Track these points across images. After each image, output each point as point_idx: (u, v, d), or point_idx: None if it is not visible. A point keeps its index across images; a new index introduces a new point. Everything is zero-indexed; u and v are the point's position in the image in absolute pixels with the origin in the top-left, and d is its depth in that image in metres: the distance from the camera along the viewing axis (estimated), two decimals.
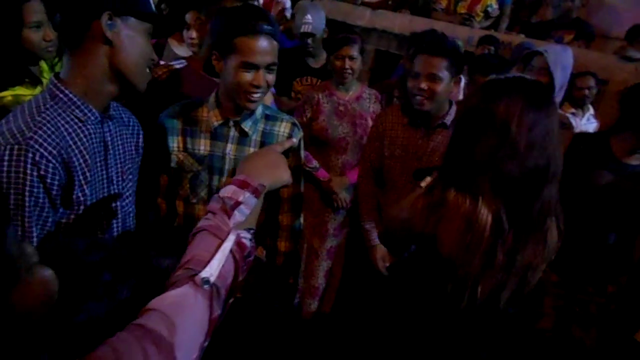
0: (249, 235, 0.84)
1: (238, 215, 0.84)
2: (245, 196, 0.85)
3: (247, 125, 1.44)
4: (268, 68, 1.33)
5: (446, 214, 1.18)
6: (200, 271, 0.74)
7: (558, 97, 2.49)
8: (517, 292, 1.26)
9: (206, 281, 0.73)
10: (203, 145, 1.45)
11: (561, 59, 2.36)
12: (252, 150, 1.45)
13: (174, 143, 1.45)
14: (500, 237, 1.16)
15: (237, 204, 0.84)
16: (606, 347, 2.06)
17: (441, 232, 1.20)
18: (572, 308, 2.12)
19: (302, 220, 1.65)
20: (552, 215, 1.23)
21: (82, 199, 1.04)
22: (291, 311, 2.41)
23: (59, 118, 1.01)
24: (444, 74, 1.83)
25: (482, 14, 4.30)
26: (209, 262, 0.75)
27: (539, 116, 1.14)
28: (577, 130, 3.07)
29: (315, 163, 2.36)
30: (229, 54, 1.31)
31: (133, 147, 1.25)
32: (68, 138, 1.02)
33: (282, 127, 1.50)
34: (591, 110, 3.31)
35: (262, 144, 1.47)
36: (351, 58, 2.26)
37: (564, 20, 4.24)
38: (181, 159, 1.45)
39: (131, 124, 1.26)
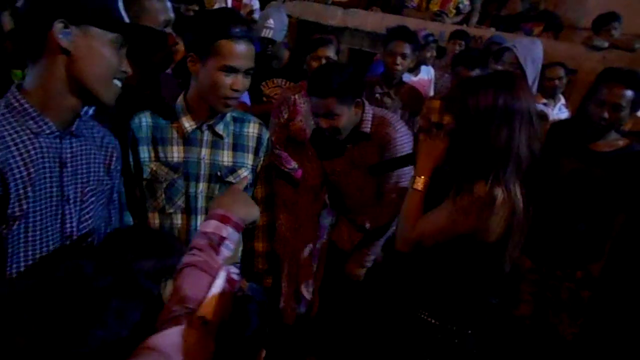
0: (237, 270, 0.87)
1: (225, 251, 0.88)
2: (228, 231, 0.90)
3: (220, 128, 1.44)
4: (246, 72, 1.35)
5: (495, 210, 1.27)
6: (195, 309, 0.75)
7: (532, 90, 2.52)
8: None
9: (204, 321, 0.75)
10: (176, 153, 1.42)
11: (530, 52, 2.40)
12: (225, 152, 1.46)
13: (145, 153, 1.41)
14: (528, 212, 1.32)
15: (222, 239, 0.88)
16: (582, 335, 2.08)
17: (489, 225, 1.30)
18: (545, 294, 2.14)
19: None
20: None
21: (18, 214, 0.98)
22: (275, 315, 2.39)
23: (7, 127, 0.98)
24: (340, 109, 1.77)
25: (454, 11, 4.36)
26: (203, 300, 0.77)
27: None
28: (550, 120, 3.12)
29: (293, 164, 2.35)
30: (208, 56, 1.31)
31: (102, 169, 1.17)
32: (13, 149, 0.97)
33: (252, 128, 1.51)
34: (562, 100, 3.36)
35: (235, 146, 1.47)
36: (327, 59, 2.27)
37: (532, 13, 4.32)
38: (154, 169, 1.41)
39: (104, 144, 1.18)
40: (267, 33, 2.61)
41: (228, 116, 1.46)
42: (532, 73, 2.38)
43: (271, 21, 2.62)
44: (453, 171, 1.39)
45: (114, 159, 1.20)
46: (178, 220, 1.44)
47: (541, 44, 2.60)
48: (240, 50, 1.31)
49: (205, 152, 1.43)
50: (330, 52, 2.27)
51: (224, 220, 0.92)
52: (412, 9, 4.49)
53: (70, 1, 0.97)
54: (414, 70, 3.39)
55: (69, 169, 1.06)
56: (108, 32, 1.01)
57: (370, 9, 4.66)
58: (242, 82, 1.34)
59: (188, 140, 1.42)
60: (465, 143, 1.31)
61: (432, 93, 3.43)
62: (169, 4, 1.43)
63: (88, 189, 1.12)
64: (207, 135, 1.43)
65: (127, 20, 1.06)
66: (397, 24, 3.69)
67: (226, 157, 1.46)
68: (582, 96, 2.15)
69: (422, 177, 1.40)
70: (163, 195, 1.43)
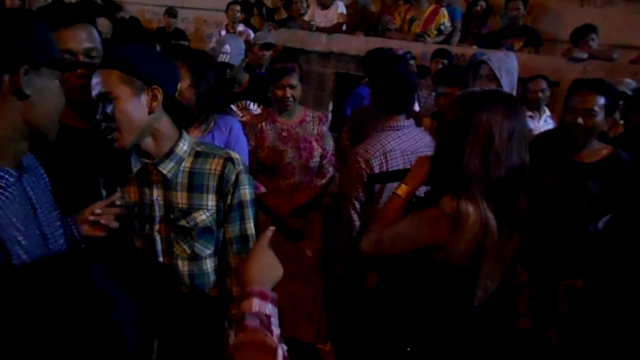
0: (285, 347, 0.91)
1: (276, 330, 0.92)
2: (269, 308, 0.94)
3: (166, 168, 1.31)
4: (104, 99, 1.21)
5: (463, 226, 1.22)
6: None
7: None
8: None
9: None
10: (132, 193, 1.36)
11: (505, 64, 2.45)
12: (179, 194, 1.34)
13: (105, 191, 1.39)
14: (502, 237, 1.26)
15: (268, 317, 0.93)
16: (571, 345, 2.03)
17: (456, 243, 1.24)
18: (542, 307, 2.11)
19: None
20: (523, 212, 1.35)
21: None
22: None
23: None
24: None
25: (435, 32, 4.45)
26: None
27: (515, 124, 1.24)
28: (536, 132, 3.16)
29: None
30: None
31: (49, 191, 1.12)
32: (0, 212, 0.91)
33: (214, 165, 1.34)
34: (547, 112, 3.41)
35: (190, 186, 1.33)
36: (291, 87, 2.29)
37: (512, 29, 4.39)
38: None
39: (36, 166, 1.12)
40: (223, 58, 2.75)
41: (182, 151, 1.33)
42: (507, 83, 2.43)
43: (227, 47, 2.77)
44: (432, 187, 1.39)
45: (45, 176, 1.15)
46: None
47: (514, 56, 2.66)
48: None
49: (157, 192, 1.34)
50: (294, 80, 2.30)
51: (263, 297, 0.95)
52: (394, 32, 4.57)
53: (32, 45, 0.94)
54: None
55: (37, 206, 1.03)
56: (55, 71, 1.01)
57: (353, 34, 4.74)
58: (100, 111, 1.23)
59: (139, 181, 1.35)
60: (437, 159, 1.33)
61: (417, 108, 3.47)
62: (94, 33, 1.36)
63: (54, 215, 1.10)
64: (156, 175, 1.33)
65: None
66: (381, 46, 3.80)
67: (180, 199, 1.34)
68: None
69: (405, 185, 1.40)
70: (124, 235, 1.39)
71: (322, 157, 2.42)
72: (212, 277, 1.46)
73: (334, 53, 4.67)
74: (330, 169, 2.45)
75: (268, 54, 3.58)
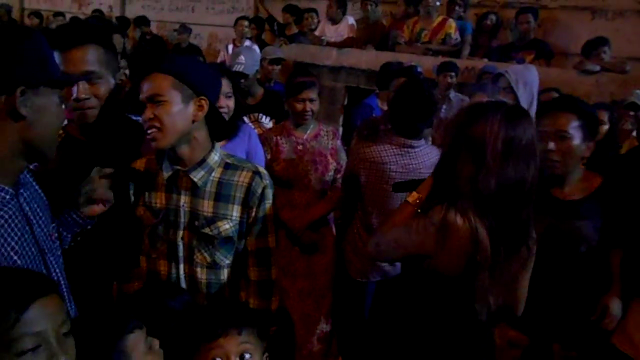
0: None
1: None
2: None
3: (197, 176, 1.36)
4: (153, 101, 1.26)
5: (450, 237, 1.22)
6: None
7: (530, 113, 2.54)
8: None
9: None
10: (159, 199, 1.40)
11: (522, 76, 2.45)
12: (206, 202, 1.37)
13: (134, 196, 1.43)
14: (497, 254, 1.22)
15: None
16: None
17: (444, 254, 1.24)
18: None
19: (272, 275, 1.51)
20: (530, 234, 1.30)
21: None
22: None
23: None
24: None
25: (441, 41, 4.48)
26: None
27: (514, 136, 1.19)
28: None
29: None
30: None
31: (44, 204, 1.12)
32: None
33: (242, 177, 1.39)
34: None
35: (218, 196, 1.38)
36: (311, 100, 2.31)
37: (523, 42, 4.39)
38: (140, 213, 1.43)
39: (30, 179, 1.11)
40: (238, 68, 2.81)
41: (213, 162, 1.38)
42: (525, 96, 2.43)
43: (242, 57, 2.85)
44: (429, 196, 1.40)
45: (41, 191, 1.14)
46: (160, 266, 1.43)
47: (535, 69, 2.65)
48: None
49: (185, 199, 1.38)
50: (314, 94, 2.34)
51: None
52: (404, 45, 4.59)
53: (28, 64, 0.93)
54: None
55: (34, 221, 1.03)
56: (55, 89, 1.00)
57: (364, 48, 4.77)
58: (147, 113, 1.27)
59: (168, 187, 1.39)
60: (438, 167, 1.35)
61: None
62: (96, 55, 1.36)
63: (51, 227, 1.10)
64: (185, 182, 1.38)
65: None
66: (390, 60, 3.81)
67: (206, 207, 1.38)
68: None
69: (417, 194, 1.38)
70: (147, 240, 1.43)
71: (337, 171, 2.43)
72: (228, 287, 1.49)
73: (345, 67, 4.70)
74: None
75: (277, 68, 3.63)
